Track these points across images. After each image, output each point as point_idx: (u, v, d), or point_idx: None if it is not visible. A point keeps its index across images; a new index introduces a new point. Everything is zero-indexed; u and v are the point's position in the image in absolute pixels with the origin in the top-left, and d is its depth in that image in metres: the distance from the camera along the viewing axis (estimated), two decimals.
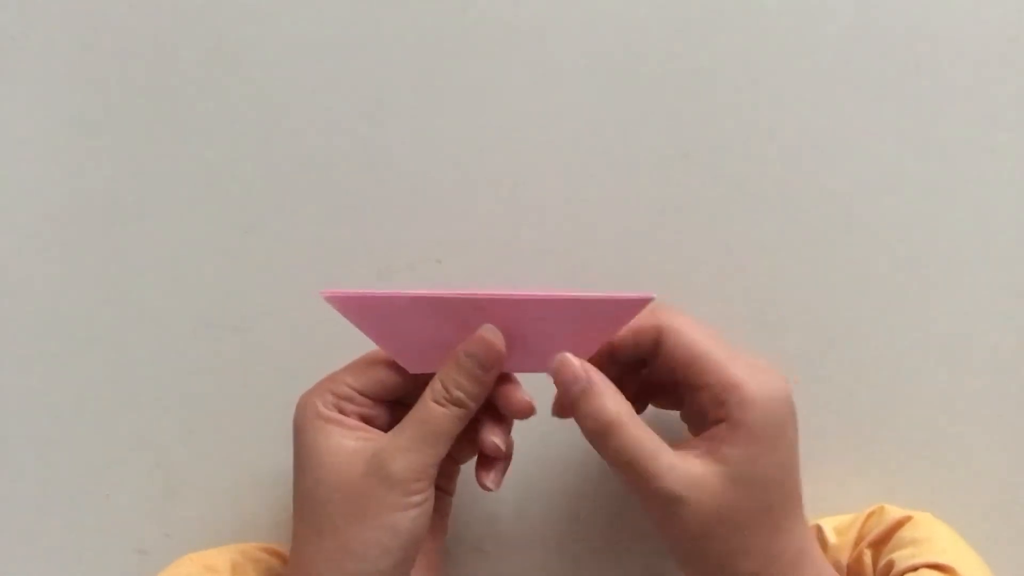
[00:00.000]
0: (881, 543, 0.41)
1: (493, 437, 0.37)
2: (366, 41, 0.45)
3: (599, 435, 0.35)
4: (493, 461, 0.38)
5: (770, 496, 0.35)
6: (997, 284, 0.45)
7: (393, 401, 0.38)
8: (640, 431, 0.35)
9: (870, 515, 0.43)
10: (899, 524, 0.41)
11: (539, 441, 0.44)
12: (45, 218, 0.45)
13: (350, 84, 0.45)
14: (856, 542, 0.42)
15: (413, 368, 0.37)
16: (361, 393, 0.37)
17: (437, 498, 0.39)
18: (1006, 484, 0.45)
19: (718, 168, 0.45)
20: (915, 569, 0.38)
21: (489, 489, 0.38)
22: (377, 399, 0.37)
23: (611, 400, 0.35)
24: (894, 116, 0.45)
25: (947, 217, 0.45)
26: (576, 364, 0.36)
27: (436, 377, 0.36)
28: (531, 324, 0.36)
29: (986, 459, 0.45)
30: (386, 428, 0.37)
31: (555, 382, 0.36)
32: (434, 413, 0.35)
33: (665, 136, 0.45)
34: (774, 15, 0.45)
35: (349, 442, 0.36)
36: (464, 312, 0.36)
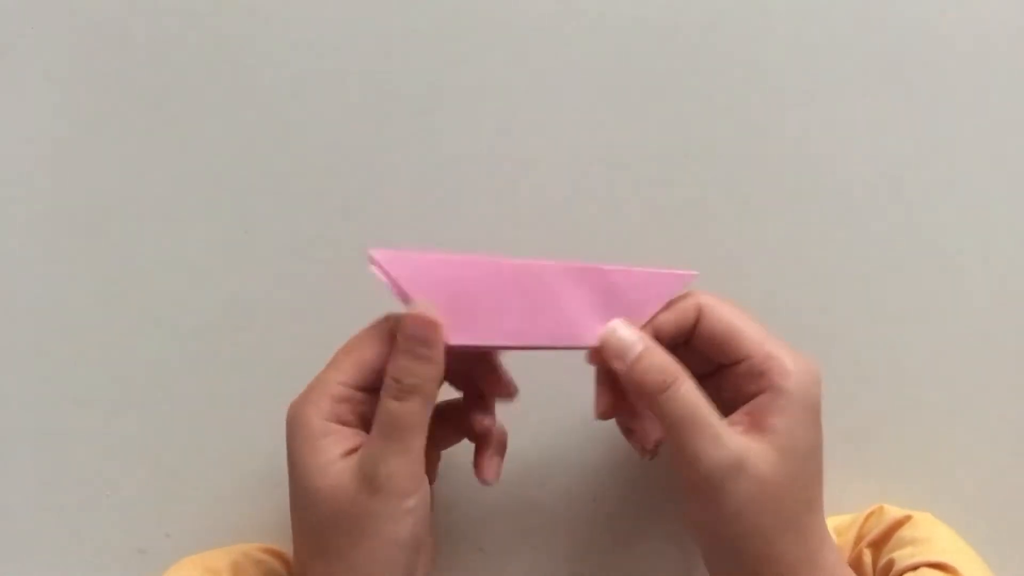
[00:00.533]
0: (881, 543, 0.41)
1: (482, 419, 0.38)
2: (366, 41, 0.45)
3: (661, 388, 0.35)
4: (488, 451, 0.38)
5: (806, 468, 0.35)
6: (998, 284, 0.45)
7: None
8: (700, 393, 0.35)
9: (869, 515, 0.43)
10: (899, 524, 0.41)
11: (539, 442, 0.44)
12: (45, 218, 0.45)
13: (350, 84, 0.45)
14: (856, 542, 0.42)
15: (461, 340, 0.35)
16: (355, 387, 0.36)
17: None
18: (1005, 485, 0.45)
19: (718, 168, 0.45)
20: (915, 568, 0.38)
21: (489, 482, 0.37)
22: (371, 389, 0.36)
23: (669, 355, 0.35)
24: (894, 116, 0.45)
25: (948, 217, 0.45)
26: (630, 327, 0.36)
27: (386, 375, 0.35)
28: (575, 294, 0.36)
29: (985, 460, 0.45)
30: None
31: (608, 347, 0.36)
32: (395, 410, 0.34)
33: (665, 136, 0.45)
34: (774, 15, 0.45)
35: (338, 458, 0.35)
36: (516, 278, 0.35)
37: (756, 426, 0.35)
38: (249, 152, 0.45)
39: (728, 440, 0.34)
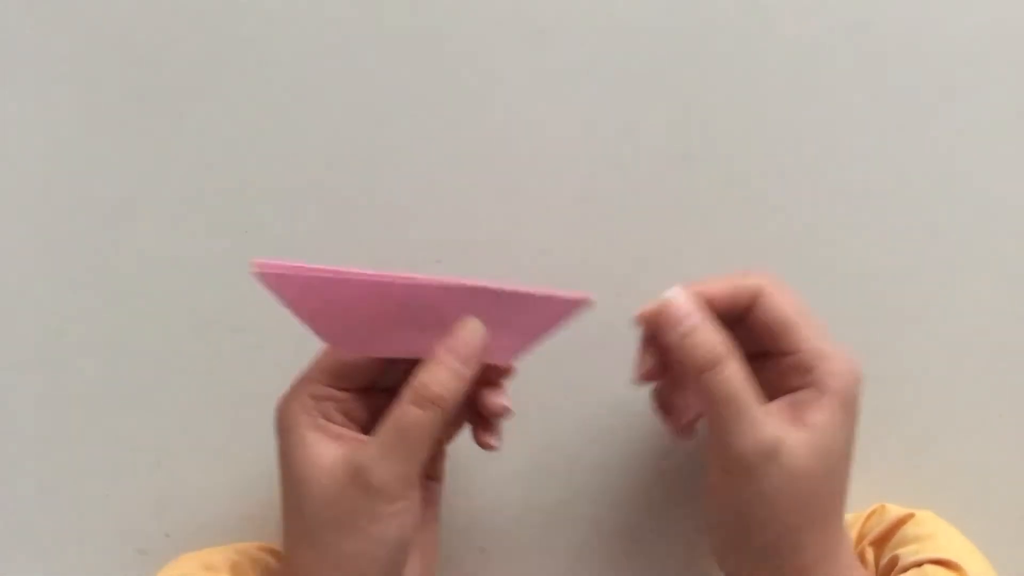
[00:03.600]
0: (883, 540, 0.41)
1: (497, 399, 0.37)
2: (366, 41, 0.45)
3: (709, 366, 0.35)
4: (493, 422, 0.38)
5: (838, 468, 0.36)
6: (998, 283, 0.45)
7: (368, 389, 0.38)
8: (744, 372, 0.35)
9: (871, 514, 0.43)
10: (901, 521, 0.41)
11: (540, 442, 0.44)
12: (45, 218, 0.45)
13: (350, 84, 0.45)
14: (858, 540, 0.42)
15: (347, 350, 0.36)
16: (338, 387, 0.37)
17: (426, 487, 0.39)
18: (1006, 484, 0.45)
19: (718, 169, 0.45)
20: (920, 565, 0.38)
21: (493, 448, 0.38)
22: (354, 388, 0.37)
23: (721, 334, 0.35)
24: (894, 116, 0.45)
25: (948, 217, 0.45)
26: (687, 298, 0.36)
27: (415, 378, 0.35)
28: (463, 314, 0.35)
29: (986, 459, 0.45)
30: (364, 420, 0.37)
31: (664, 314, 0.35)
32: (413, 417, 0.34)
33: (665, 137, 0.45)
34: (774, 15, 0.45)
35: (330, 451, 0.35)
36: (404, 297, 0.34)
37: (796, 419, 0.35)
38: (249, 152, 0.45)
39: (765, 427, 0.34)
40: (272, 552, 0.42)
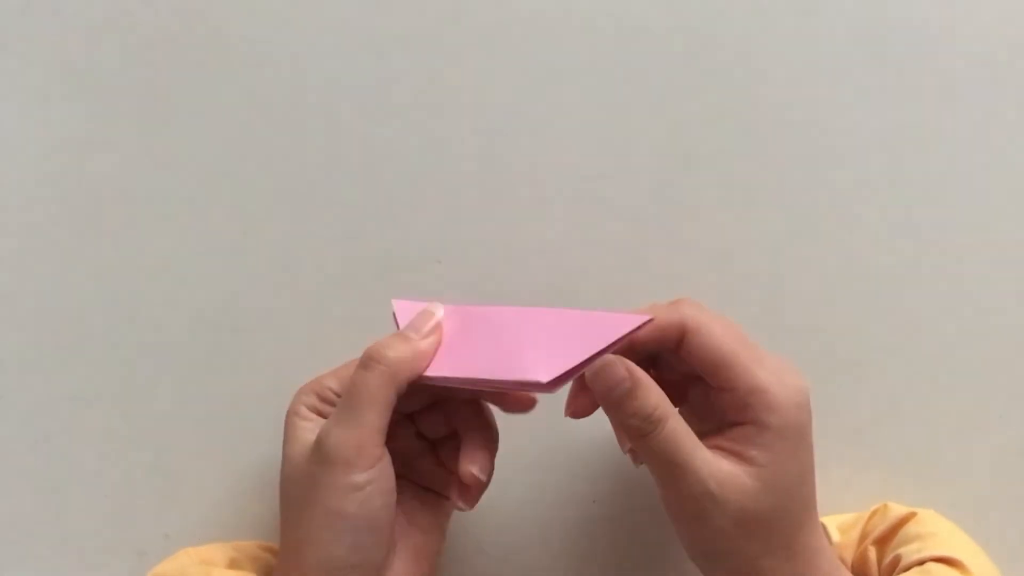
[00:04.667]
0: (886, 540, 0.41)
1: (471, 466, 0.36)
2: (366, 40, 0.45)
3: (645, 433, 0.34)
4: (470, 486, 0.37)
5: (792, 496, 0.35)
6: (999, 282, 0.45)
7: None
8: (682, 427, 0.35)
9: (873, 513, 0.43)
10: (903, 520, 0.41)
11: (539, 442, 0.44)
12: (45, 218, 0.45)
13: (350, 84, 0.45)
14: (860, 540, 0.42)
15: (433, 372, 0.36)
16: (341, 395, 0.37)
17: (435, 502, 0.39)
18: (1008, 483, 0.45)
19: (719, 169, 0.45)
20: (922, 563, 0.38)
21: (463, 509, 0.37)
22: None
23: (656, 397, 0.35)
24: (895, 116, 0.45)
25: (948, 216, 0.45)
26: (621, 365, 0.35)
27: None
28: (530, 334, 0.35)
29: (988, 458, 0.45)
30: None
31: (595, 383, 0.35)
32: (357, 379, 0.34)
33: (666, 137, 0.45)
34: (774, 15, 0.45)
35: (310, 435, 0.35)
36: (469, 320, 0.36)
37: (739, 455, 0.35)
38: (249, 152, 0.45)
39: (707, 475, 0.34)
40: (271, 551, 0.42)
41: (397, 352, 0.35)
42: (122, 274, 0.45)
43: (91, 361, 0.45)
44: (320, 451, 0.34)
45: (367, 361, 0.35)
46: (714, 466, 0.34)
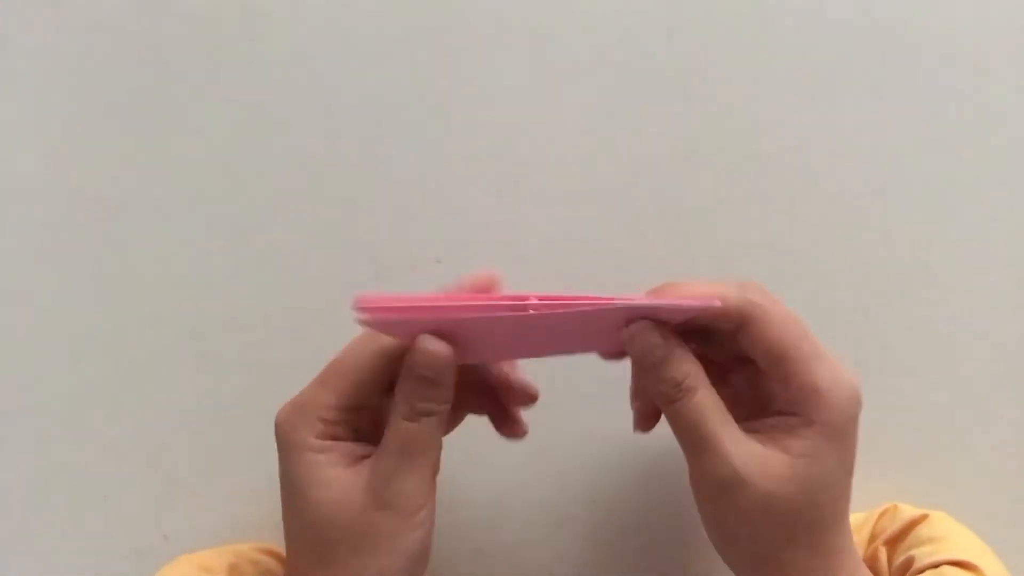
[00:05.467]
0: (897, 541, 0.41)
1: (514, 430, 0.38)
2: (365, 40, 0.45)
3: (673, 399, 0.34)
4: (513, 409, 0.38)
5: (825, 492, 0.35)
6: (1003, 280, 0.45)
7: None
8: (712, 400, 0.35)
9: (883, 513, 0.43)
10: (915, 522, 0.41)
11: (539, 443, 0.44)
12: (44, 219, 0.45)
13: (349, 84, 0.45)
14: (869, 540, 0.42)
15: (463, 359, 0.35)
16: (348, 408, 0.35)
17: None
18: (1017, 483, 0.45)
19: (719, 169, 0.45)
20: (937, 566, 0.38)
21: (521, 437, 0.38)
22: (365, 405, 0.36)
23: (691, 365, 0.35)
24: (895, 116, 0.45)
25: (950, 216, 0.45)
26: (657, 330, 0.35)
27: (397, 395, 0.34)
28: (580, 325, 0.35)
29: (996, 458, 0.45)
30: (367, 430, 0.36)
31: (631, 345, 0.35)
32: (410, 432, 0.34)
33: (666, 137, 0.45)
34: (775, 15, 0.45)
35: (342, 473, 0.34)
36: (511, 323, 0.34)
37: (775, 441, 0.35)
38: (248, 152, 0.45)
39: (733, 457, 0.34)
40: (271, 553, 0.42)
41: (439, 400, 0.34)
42: (120, 274, 0.45)
43: (89, 362, 0.45)
44: (382, 498, 0.34)
45: (412, 415, 0.34)
46: (744, 447, 0.34)
